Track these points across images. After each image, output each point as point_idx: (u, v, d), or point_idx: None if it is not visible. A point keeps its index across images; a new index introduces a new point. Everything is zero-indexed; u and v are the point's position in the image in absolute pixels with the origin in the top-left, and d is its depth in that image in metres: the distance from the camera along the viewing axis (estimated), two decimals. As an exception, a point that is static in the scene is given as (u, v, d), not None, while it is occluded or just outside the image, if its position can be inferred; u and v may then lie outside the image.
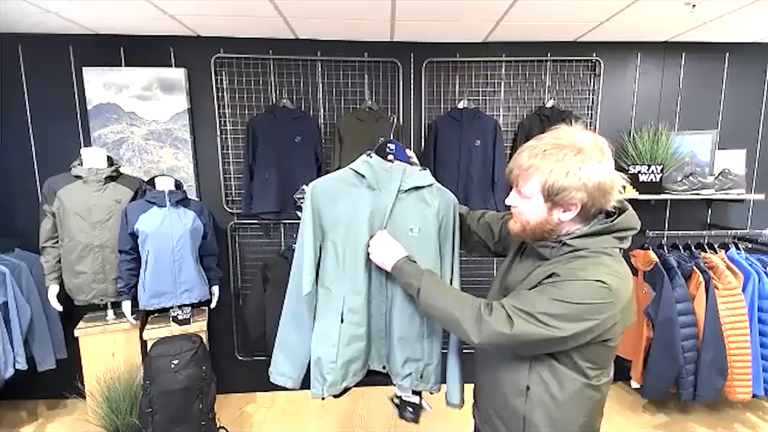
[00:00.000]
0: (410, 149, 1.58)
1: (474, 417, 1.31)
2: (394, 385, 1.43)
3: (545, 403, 1.06)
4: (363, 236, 1.28)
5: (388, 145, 1.35)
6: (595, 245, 1.02)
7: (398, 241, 1.28)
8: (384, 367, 1.38)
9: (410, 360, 1.34)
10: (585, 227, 1.04)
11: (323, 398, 1.32)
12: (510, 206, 1.11)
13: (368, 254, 1.27)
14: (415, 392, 1.45)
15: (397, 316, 1.32)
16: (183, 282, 2.27)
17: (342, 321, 1.29)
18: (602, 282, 0.95)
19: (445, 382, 1.43)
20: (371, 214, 1.28)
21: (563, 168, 0.96)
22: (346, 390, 1.36)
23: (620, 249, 1.05)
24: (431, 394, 1.42)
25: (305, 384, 1.41)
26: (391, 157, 1.34)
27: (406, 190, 1.30)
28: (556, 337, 0.96)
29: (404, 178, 1.30)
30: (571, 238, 1.03)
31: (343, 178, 1.32)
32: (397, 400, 1.50)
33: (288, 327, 1.39)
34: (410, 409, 1.46)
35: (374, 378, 1.42)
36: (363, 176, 1.30)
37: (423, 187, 1.33)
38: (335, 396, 1.34)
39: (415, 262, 1.23)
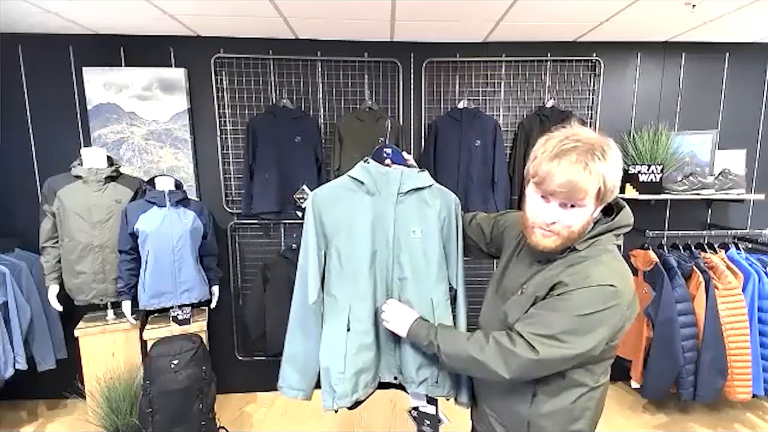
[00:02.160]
0: (407, 152, 1.57)
1: (472, 419, 1.31)
2: (408, 393, 1.38)
3: (551, 409, 1.06)
4: (366, 242, 1.27)
5: (385, 149, 1.35)
6: (597, 244, 1.03)
7: (401, 243, 1.28)
8: (395, 378, 1.34)
9: (424, 366, 1.30)
10: (588, 227, 1.04)
11: (336, 411, 1.28)
12: (548, 223, 1.01)
13: (380, 310, 1.27)
14: (430, 401, 1.40)
15: None
16: (183, 282, 2.27)
17: (349, 329, 1.26)
18: (610, 285, 0.96)
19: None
20: (373, 219, 1.27)
21: (611, 167, 0.96)
22: (358, 403, 1.32)
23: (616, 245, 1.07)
24: (447, 400, 1.37)
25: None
26: (388, 161, 1.35)
27: (405, 192, 1.30)
28: (581, 353, 0.97)
29: (402, 180, 1.30)
30: (579, 242, 1.03)
31: (342, 185, 1.32)
32: (414, 413, 1.45)
33: (296, 337, 1.36)
34: (427, 422, 1.41)
35: (387, 385, 1.39)
36: (361, 182, 1.29)
37: (423, 188, 1.32)
38: (349, 408, 1.30)
39: (426, 321, 1.21)
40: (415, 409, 1.43)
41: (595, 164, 0.95)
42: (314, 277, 1.28)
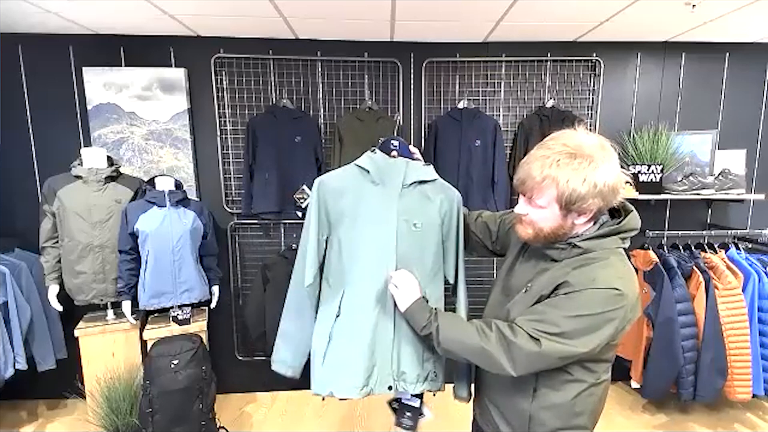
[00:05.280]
0: (413, 146, 1.57)
1: (474, 412, 1.32)
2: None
3: (552, 404, 1.07)
4: (368, 232, 1.27)
5: (392, 141, 1.35)
6: (603, 246, 1.03)
7: (402, 235, 1.27)
8: (390, 387, 1.30)
9: (427, 359, 1.30)
10: (594, 228, 1.06)
11: (322, 398, 1.29)
12: (518, 214, 1.09)
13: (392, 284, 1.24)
14: (415, 394, 1.39)
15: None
16: (183, 282, 2.27)
17: (338, 315, 1.27)
18: (615, 289, 0.97)
19: (451, 382, 1.39)
20: (376, 208, 1.28)
21: (579, 177, 0.96)
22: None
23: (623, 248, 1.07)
24: (434, 395, 1.38)
25: (305, 384, 1.39)
26: (394, 153, 1.35)
27: (409, 184, 1.30)
28: (583, 352, 0.98)
29: (407, 171, 1.31)
30: (581, 240, 1.04)
31: (348, 173, 1.33)
32: (395, 404, 1.44)
33: (291, 316, 1.39)
34: (408, 414, 1.41)
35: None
36: (367, 171, 1.30)
37: (426, 181, 1.33)
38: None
39: (427, 301, 1.21)
40: (397, 401, 1.43)
41: (556, 167, 0.97)
42: (312, 260, 1.29)
